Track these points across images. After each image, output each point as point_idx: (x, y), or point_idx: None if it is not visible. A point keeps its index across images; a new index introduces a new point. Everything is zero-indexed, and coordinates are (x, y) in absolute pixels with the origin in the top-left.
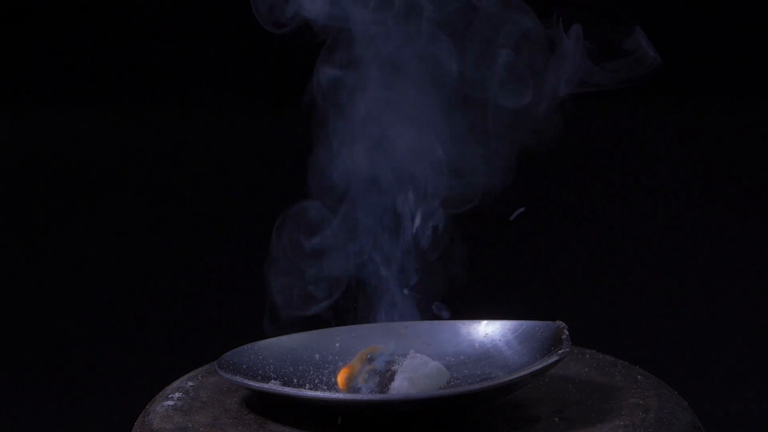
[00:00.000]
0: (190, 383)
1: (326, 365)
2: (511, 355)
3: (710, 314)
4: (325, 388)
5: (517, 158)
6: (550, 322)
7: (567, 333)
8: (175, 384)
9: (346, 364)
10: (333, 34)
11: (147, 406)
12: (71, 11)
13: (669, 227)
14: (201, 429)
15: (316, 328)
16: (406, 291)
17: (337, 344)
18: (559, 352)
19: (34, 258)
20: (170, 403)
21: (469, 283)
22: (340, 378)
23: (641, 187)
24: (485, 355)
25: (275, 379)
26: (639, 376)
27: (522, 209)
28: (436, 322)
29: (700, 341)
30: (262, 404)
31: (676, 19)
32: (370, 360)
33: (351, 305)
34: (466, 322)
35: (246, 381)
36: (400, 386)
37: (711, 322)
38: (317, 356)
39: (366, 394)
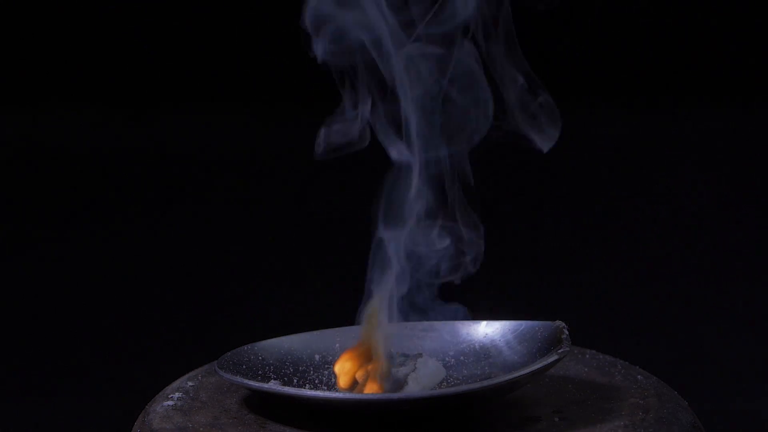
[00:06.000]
0: (190, 383)
1: (326, 365)
2: (510, 355)
3: (710, 314)
4: (325, 388)
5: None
6: (550, 322)
7: (567, 333)
8: (175, 384)
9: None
10: None
11: (147, 406)
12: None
13: (669, 227)
14: (201, 429)
15: (316, 329)
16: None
17: (337, 344)
18: (559, 351)
19: (34, 258)
20: (170, 403)
21: (469, 283)
22: (339, 367)
23: (641, 188)
24: (485, 355)
25: (275, 379)
26: (639, 376)
27: None
28: (436, 322)
29: (700, 341)
30: (262, 404)
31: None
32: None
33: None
34: (466, 322)
35: (246, 381)
36: (410, 388)
37: (711, 322)
38: (317, 356)
39: (366, 393)
